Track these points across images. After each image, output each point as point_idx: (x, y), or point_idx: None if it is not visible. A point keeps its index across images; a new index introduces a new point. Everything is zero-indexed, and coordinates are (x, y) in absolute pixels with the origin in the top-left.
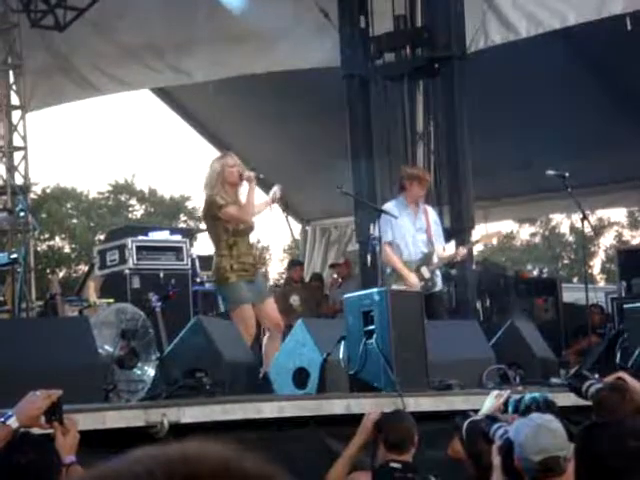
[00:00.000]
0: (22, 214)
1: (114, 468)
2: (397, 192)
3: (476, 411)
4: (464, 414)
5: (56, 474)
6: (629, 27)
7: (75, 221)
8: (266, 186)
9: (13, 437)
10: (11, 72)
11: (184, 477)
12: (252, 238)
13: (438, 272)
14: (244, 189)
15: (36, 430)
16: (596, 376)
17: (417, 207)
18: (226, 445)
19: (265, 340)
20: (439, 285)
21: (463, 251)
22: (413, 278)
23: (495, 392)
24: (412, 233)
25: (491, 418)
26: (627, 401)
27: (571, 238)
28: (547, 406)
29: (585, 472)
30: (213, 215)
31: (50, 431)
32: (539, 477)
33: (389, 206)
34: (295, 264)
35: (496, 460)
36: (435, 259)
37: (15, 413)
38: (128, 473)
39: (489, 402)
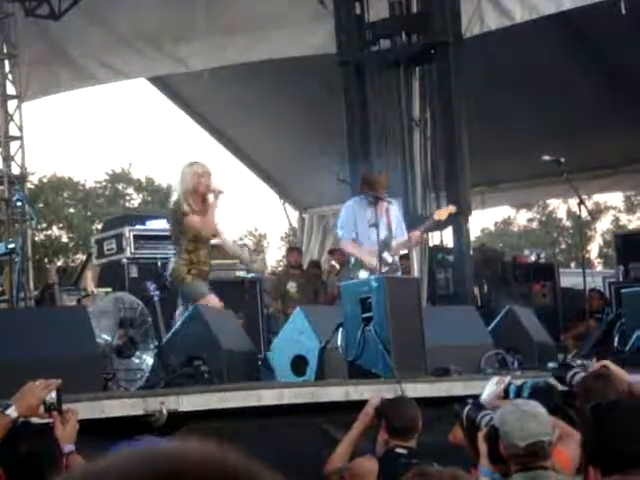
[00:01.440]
0: (19, 204)
1: (99, 466)
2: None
3: (475, 397)
4: (463, 401)
5: (57, 463)
6: (623, 11)
7: (72, 210)
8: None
9: (13, 426)
10: (7, 61)
11: (167, 474)
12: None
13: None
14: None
15: (35, 420)
16: (578, 362)
17: (375, 205)
18: (210, 442)
19: None
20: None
21: (414, 234)
22: (373, 260)
23: (495, 378)
24: (368, 228)
25: (477, 405)
26: (611, 388)
27: (568, 223)
28: (549, 391)
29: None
30: (177, 219)
31: (49, 420)
32: (525, 462)
33: (350, 203)
34: (293, 249)
35: (482, 447)
36: (393, 245)
37: (14, 403)
38: (113, 471)
39: (489, 388)
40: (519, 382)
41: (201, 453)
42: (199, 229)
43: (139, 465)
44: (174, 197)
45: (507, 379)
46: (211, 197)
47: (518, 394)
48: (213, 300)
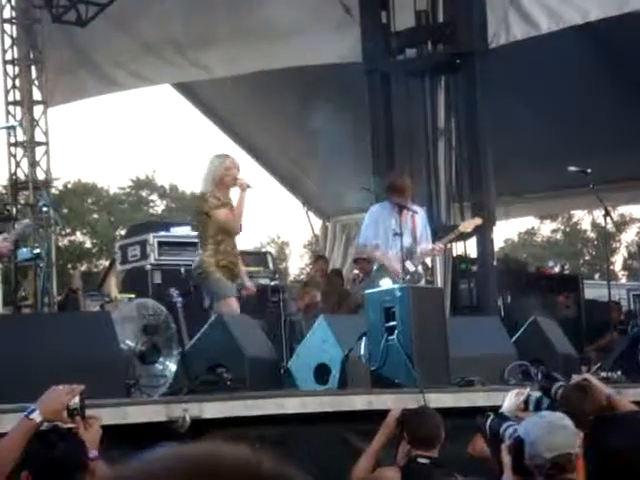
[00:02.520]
0: (45, 209)
1: (135, 467)
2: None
3: (497, 408)
4: (484, 413)
5: (84, 467)
6: None
7: (96, 216)
8: None
9: (36, 431)
10: (33, 67)
11: (205, 477)
12: (237, 240)
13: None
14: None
15: (59, 424)
16: (602, 375)
17: (400, 211)
18: (245, 445)
19: None
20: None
21: (439, 246)
22: (397, 266)
23: (515, 390)
24: (391, 235)
25: (501, 417)
26: (588, 400)
27: (592, 234)
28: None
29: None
30: (203, 212)
31: (73, 426)
32: (550, 475)
33: (375, 208)
34: (319, 258)
35: (506, 459)
36: (417, 254)
37: (38, 407)
38: (149, 473)
39: (509, 400)
40: (539, 394)
41: (238, 457)
42: (225, 222)
43: (175, 466)
44: (200, 189)
45: (526, 391)
46: (236, 192)
47: (538, 406)
48: (233, 304)
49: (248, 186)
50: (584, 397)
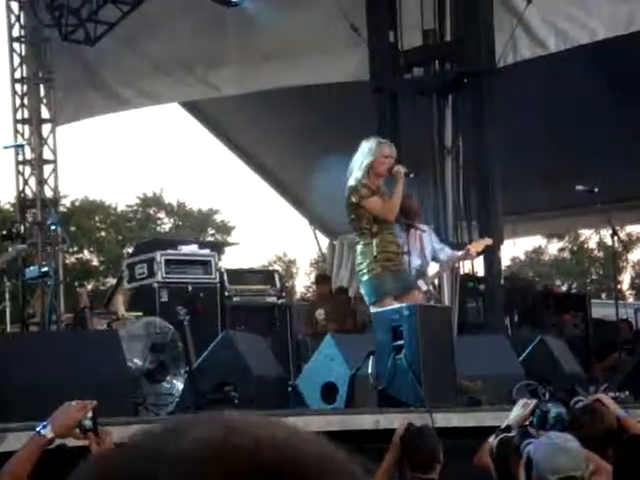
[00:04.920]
0: (53, 227)
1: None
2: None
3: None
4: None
5: None
6: None
7: (104, 234)
8: None
9: (47, 447)
10: (42, 86)
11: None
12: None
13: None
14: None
15: (71, 441)
16: (611, 395)
17: (407, 231)
18: (312, 434)
19: None
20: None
21: (448, 264)
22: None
23: (522, 401)
24: (402, 255)
25: (523, 432)
26: (597, 422)
27: (600, 254)
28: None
29: None
30: (356, 203)
31: (85, 442)
32: None
33: None
34: (321, 279)
35: (522, 475)
36: (429, 274)
37: (50, 423)
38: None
39: (516, 411)
40: (545, 408)
41: (315, 447)
42: (379, 211)
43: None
44: (351, 181)
45: (533, 402)
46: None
47: (542, 421)
48: (388, 305)
49: (406, 174)
50: (592, 421)
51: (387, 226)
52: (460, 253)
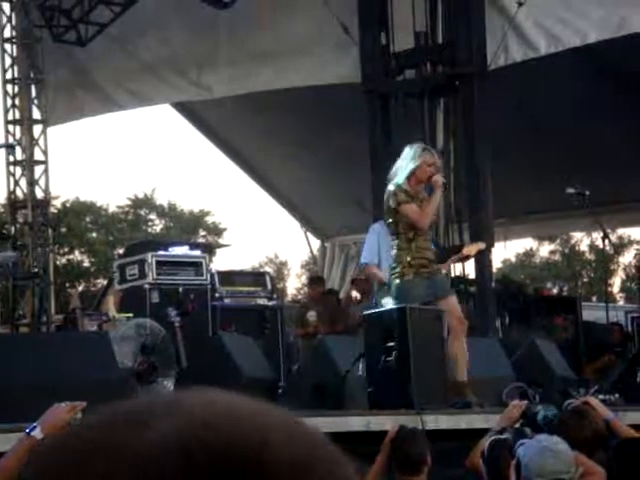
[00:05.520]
0: (43, 228)
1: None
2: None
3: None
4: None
5: None
6: None
7: (94, 235)
8: None
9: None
10: (33, 86)
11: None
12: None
13: None
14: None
15: None
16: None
17: None
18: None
19: (449, 341)
20: None
21: (442, 266)
22: None
23: (514, 402)
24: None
25: (518, 433)
26: (585, 425)
27: (591, 256)
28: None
29: None
30: (394, 207)
31: None
32: None
33: (376, 226)
34: (315, 281)
35: (512, 477)
36: None
37: (40, 424)
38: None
39: (506, 412)
40: (534, 411)
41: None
42: (415, 220)
43: (193, 444)
44: (390, 186)
45: (524, 403)
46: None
47: (531, 423)
48: None
49: (444, 185)
50: (580, 424)
51: (423, 235)
52: (454, 257)
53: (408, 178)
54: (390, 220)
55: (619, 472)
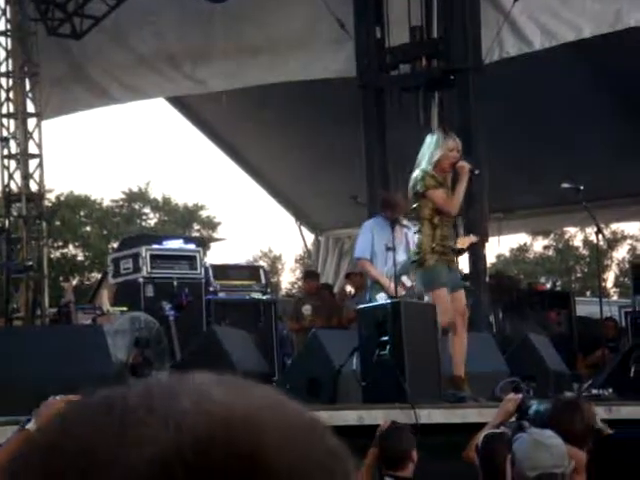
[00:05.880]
0: (37, 222)
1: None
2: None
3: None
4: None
5: None
6: None
7: (89, 229)
8: None
9: None
10: (27, 80)
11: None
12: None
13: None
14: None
15: None
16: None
17: (393, 227)
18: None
19: (450, 336)
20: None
21: None
22: (392, 286)
23: (508, 396)
24: (384, 252)
25: (517, 427)
26: (577, 420)
27: (584, 251)
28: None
29: None
30: (422, 192)
31: None
32: None
33: (369, 222)
34: (310, 275)
35: (508, 471)
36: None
37: (34, 418)
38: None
39: (502, 407)
40: (528, 405)
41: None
42: (443, 205)
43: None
44: (416, 172)
45: (519, 397)
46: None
47: (524, 413)
48: (444, 296)
49: (471, 171)
50: (573, 416)
51: (447, 221)
52: None
53: (434, 166)
54: (415, 206)
55: (602, 467)
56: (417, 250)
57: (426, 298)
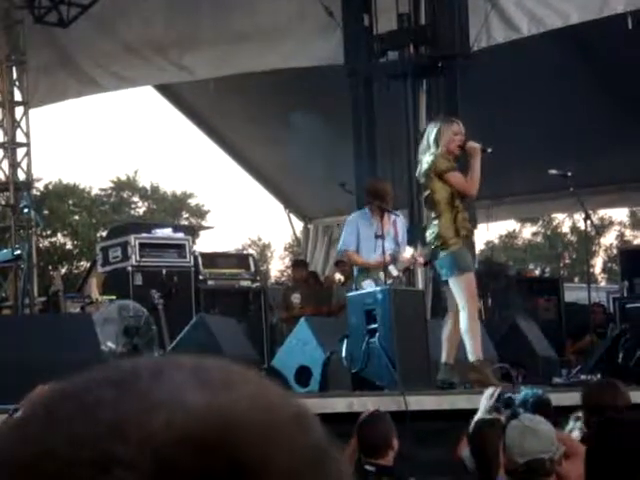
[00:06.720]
0: (26, 210)
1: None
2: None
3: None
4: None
5: None
6: (630, 26)
7: (77, 218)
8: None
9: None
10: (14, 68)
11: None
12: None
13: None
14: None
15: None
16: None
17: (381, 217)
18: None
19: (455, 320)
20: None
21: (422, 253)
22: (378, 269)
23: (489, 391)
24: (373, 241)
25: (512, 414)
26: (620, 395)
27: (573, 238)
28: (539, 404)
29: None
30: (436, 175)
31: None
32: (524, 479)
33: (353, 217)
34: (298, 263)
35: (502, 457)
36: (401, 259)
37: (23, 406)
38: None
39: (484, 403)
40: (510, 392)
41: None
42: (464, 187)
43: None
44: (427, 157)
45: (497, 390)
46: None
47: (509, 405)
48: (473, 280)
49: (483, 150)
50: (615, 392)
51: (465, 204)
52: (415, 255)
53: (444, 149)
54: (429, 191)
55: (600, 450)
56: (440, 234)
57: (451, 282)
